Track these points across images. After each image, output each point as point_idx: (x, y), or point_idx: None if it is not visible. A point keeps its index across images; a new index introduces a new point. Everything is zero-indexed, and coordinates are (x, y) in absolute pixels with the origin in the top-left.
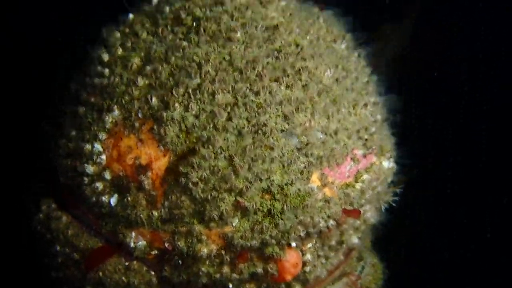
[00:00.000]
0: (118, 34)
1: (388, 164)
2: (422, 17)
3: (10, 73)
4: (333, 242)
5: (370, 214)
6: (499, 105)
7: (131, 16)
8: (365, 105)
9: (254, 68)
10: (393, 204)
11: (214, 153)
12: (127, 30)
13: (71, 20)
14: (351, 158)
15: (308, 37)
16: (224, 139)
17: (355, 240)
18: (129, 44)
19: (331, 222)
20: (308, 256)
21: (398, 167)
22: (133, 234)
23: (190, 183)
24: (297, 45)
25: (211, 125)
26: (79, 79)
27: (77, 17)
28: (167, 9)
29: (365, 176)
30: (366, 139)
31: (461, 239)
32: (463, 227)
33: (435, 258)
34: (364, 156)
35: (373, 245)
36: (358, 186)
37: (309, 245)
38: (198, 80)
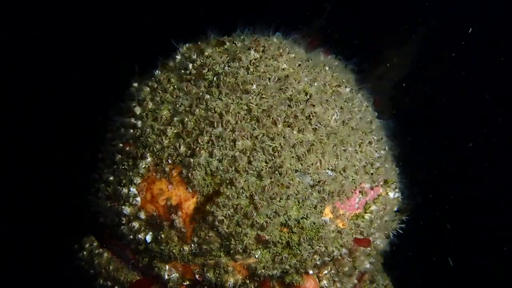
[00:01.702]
0: (148, 89)
1: (393, 194)
2: (424, 42)
3: (11, 73)
4: (346, 268)
5: (380, 241)
6: (505, 126)
7: (157, 72)
8: (370, 142)
9: (269, 116)
10: (400, 231)
11: (236, 193)
12: (155, 85)
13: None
14: (360, 191)
15: (315, 84)
16: (245, 180)
17: (367, 265)
18: (158, 98)
19: (344, 250)
20: (325, 282)
21: (403, 196)
22: (167, 267)
23: (216, 221)
24: (306, 93)
25: (233, 168)
26: (114, 130)
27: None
28: (190, 65)
29: (373, 207)
30: (372, 173)
31: (470, 259)
32: (472, 247)
33: (445, 278)
34: (372, 188)
35: (384, 268)
36: (367, 216)
37: (325, 272)
38: (220, 129)
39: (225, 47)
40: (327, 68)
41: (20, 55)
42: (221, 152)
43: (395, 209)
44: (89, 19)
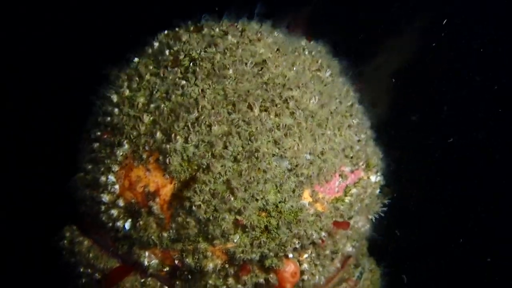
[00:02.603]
0: (125, 76)
1: (375, 178)
2: (426, 31)
3: (11, 73)
4: (327, 252)
5: (361, 224)
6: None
7: (136, 59)
8: (349, 126)
9: (245, 101)
10: (382, 214)
11: (213, 178)
12: (132, 72)
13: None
14: (339, 175)
15: (294, 68)
16: (222, 166)
17: (349, 248)
18: (135, 85)
19: (323, 233)
20: (305, 266)
21: (385, 180)
22: (147, 253)
23: (193, 206)
24: (284, 77)
25: (210, 154)
26: (92, 119)
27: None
28: (167, 52)
29: (354, 190)
30: (351, 157)
31: (455, 242)
32: (459, 231)
33: (432, 262)
34: (352, 172)
35: (370, 252)
36: (347, 199)
37: (306, 255)
38: (196, 114)
39: (203, 32)
40: (306, 52)
41: (20, 55)
42: (197, 138)
43: (377, 192)
44: (89, 19)
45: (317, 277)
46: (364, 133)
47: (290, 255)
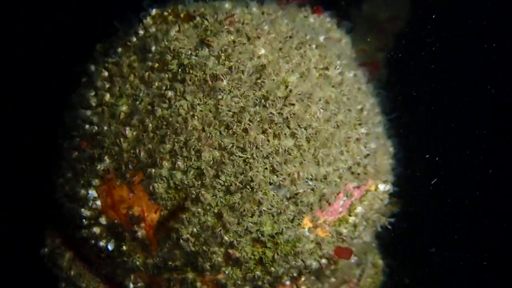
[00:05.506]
0: (105, 74)
1: (384, 187)
2: None
3: (11, 73)
4: (327, 273)
5: (365, 239)
6: None
7: (119, 49)
8: (358, 139)
9: (240, 122)
10: (389, 227)
11: (203, 210)
12: (114, 68)
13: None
14: (344, 194)
15: (298, 70)
16: (213, 196)
17: (352, 260)
18: (116, 89)
19: (323, 261)
20: None
21: (395, 188)
22: (132, 277)
23: (181, 239)
24: (286, 86)
25: (199, 182)
26: (72, 116)
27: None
28: (153, 48)
29: (359, 209)
30: (359, 173)
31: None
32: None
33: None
34: (358, 187)
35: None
36: (351, 220)
37: (303, 278)
38: (184, 136)
39: (195, 22)
40: (314, 46)
41: (20, 55)
42: (185, 164)
43: (385, 202)
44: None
45: None
46: (374, 141)
47: (287, 283)
